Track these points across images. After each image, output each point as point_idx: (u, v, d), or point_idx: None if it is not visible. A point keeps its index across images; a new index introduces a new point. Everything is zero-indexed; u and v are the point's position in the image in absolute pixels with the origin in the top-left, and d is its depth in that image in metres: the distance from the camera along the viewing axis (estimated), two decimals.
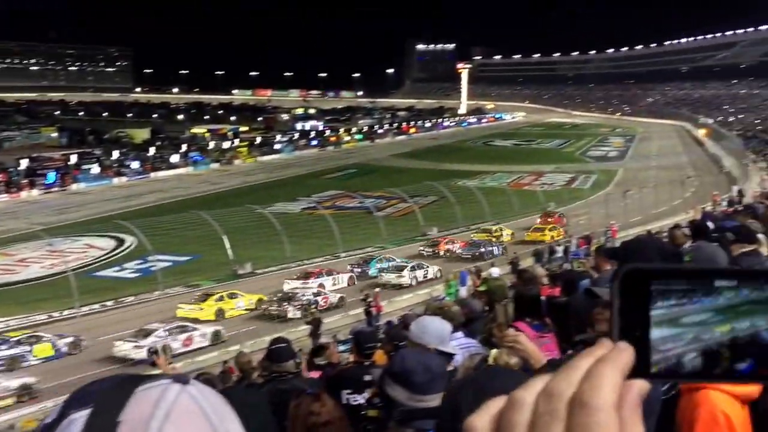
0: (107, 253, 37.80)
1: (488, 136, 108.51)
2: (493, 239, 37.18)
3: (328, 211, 42.27)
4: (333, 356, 7.07)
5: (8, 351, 21.11)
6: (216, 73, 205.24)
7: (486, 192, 47.82)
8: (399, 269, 31.00)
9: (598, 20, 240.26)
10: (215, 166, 75.68)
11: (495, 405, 0.53)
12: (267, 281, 30.55)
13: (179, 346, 22.35)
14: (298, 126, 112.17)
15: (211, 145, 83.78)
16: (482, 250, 34.60)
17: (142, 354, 19.09)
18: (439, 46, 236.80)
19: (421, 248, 36.15)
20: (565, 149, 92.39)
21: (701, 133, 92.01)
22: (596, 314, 2.78)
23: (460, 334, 4.23)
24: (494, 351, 3.05)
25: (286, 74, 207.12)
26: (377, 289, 27.03)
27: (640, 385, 0.52)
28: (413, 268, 31.13)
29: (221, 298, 26.72)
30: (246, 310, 26.93)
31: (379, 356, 5.41)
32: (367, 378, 3.78)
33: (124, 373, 2.54)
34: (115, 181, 64.80)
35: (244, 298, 27.24)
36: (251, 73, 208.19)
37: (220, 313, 25.94)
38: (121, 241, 38.74)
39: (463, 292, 22.91)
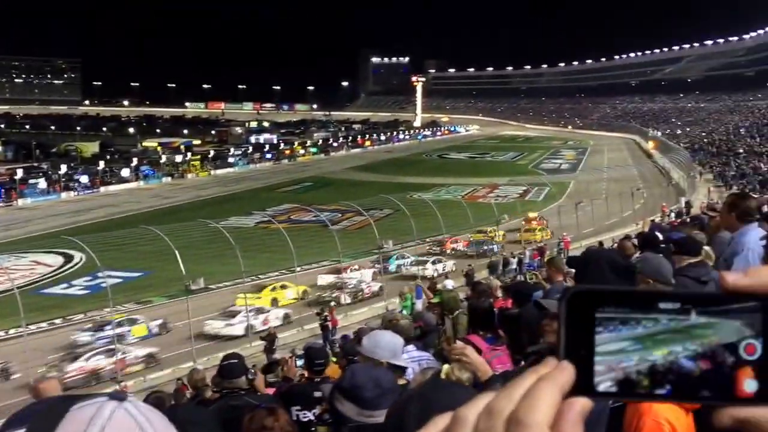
0: (55, 270, 36.91)
1: (443, 149, 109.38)
2: (489, 239, 40.52)
3: (283, 224, 41.97)
4: (291, 371, 7.02)
5: (112, 331, 24.14)
6: (168, 85, 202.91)
7: (441, 205, 48.04)
8: (422, 263, 33.99)
9: (549, 35, 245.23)
10: (167, 180, 74.72)
11: (440, 422, 0.54)
12: (221, 297, 30.20)
13: (259, 324, 25.82)
14: (252, 139, 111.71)
15: (163, 158, 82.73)
16: (485, 247, 38.45)
17: (232, 331, 25.04)
18: (394, 59, 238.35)
19: (429, 247, 39.16)
20: (518, 162, 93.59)
21: (650, 145, 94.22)
22: (544, 326, 2.83)
23: (412, 347, 4.24)
24: (446, 365, 3.07)
25: (239, 87, 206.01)
26: (332, 304, 26.95)
27: (582, 403, 0.53)
28: (434, 262, 34.19)
29: (274, 289, 30.22)
30: (294, 299, 29.97)
31: (334, 371, 5.39)
32: (317, 394, 3.77)
33: (62, 394, 2.50)
34: (63, 195, 63.44)
35: (293, 289, 30.71)
36: (204, 86, 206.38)
37: (274, 302, 29.02)
38: (69, 258, 37.88)
39: (419, 305, 22.95)
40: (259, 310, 27.01)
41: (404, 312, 23.56)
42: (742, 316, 0.55)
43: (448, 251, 38.23)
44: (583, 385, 0.55)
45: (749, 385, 0.55)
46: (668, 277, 3.88)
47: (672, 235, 7.56)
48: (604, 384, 0.56)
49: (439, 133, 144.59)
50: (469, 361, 2.81)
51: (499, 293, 8.51)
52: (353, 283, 30.55)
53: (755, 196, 17.34)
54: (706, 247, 5.49)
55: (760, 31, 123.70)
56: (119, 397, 0.63)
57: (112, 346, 22.59)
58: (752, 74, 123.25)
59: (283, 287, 30.49)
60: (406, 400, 1.53)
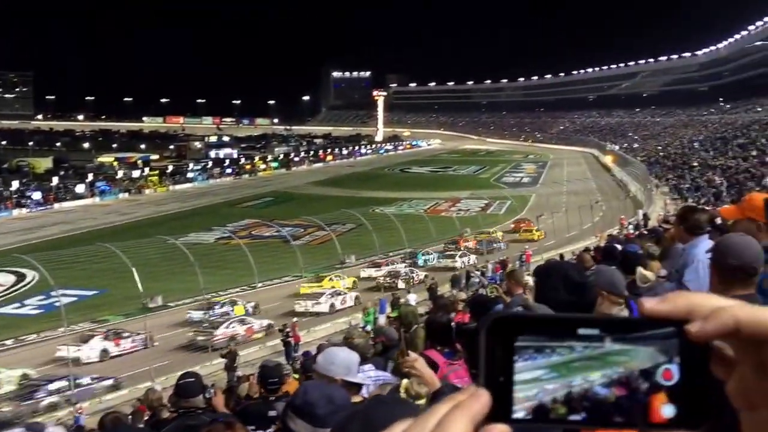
0: (7, 289, 36.05)
1: (405, 163, 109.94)
2: (494, 238, 45.28)
3: (244, 240, 41.66)
4: (252, 388, 6.95)
5: (221, 309, 28.94)
6: (125, 99, 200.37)
7: (403, 219, 48.21)
8: (450, 257, 38.54)
9: (509, 50, 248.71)
10: (124, 195, 73.70)
11: None
12: (180, 314, 29.81)
13: (339, 303, 30.18)
14: (212, 154, 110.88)
15: (120, 174, 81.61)
16: (493, 245, 42.98)
17: (319, 308, 29.39)
18: (355, 73, 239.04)
19: (444, 246, 42.28)
20: (480, 176, 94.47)
21: (608, 159, 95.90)
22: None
23: (370, 367, 4.24)
24: (405, 381, 3.08)
25: (198, 101, 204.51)
26: (295, 319, 26.76)
27: (500, 430, 0.54)
28: (461, 255, 38.61)
29: (331, 279, 34.01)
30: (347, 288, 33.12)
31: (294, 387, 5.35)
32: (272, 413, 3.74)
33: None
34: (15, 213, 62.13)
35: (346, 279, 34.40)
36: (162, 100, 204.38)
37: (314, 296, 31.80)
38: (21, 276, 37.05)
39: (382, 320, 22.93)
40: (336, 293, 31.08)
41: (367, 327, 23.55)
42: (656, 342, 0.56)
43: (462, 248, 41.60)
44: (501, 412, 0.55)
45: (666, 410, 0.55)
46: (621, 289, 3.94)
47: (629, 247, 7.73)
48: (521, 411, 0.56)
49: (400, 148, 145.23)
50: (418, 373, 2.84)
51: (461, 306, 8.56)
52: (405, 270, 35.14)
53: (708, 208, 17.76)
54: (653, 264, 5.55)
55: (713, 47, 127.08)
56: (37, 428, 0.60)
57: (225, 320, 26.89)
58: (705, 89, 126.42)
59: (337, 277, 34.49)
60: (347, 418, 1.54)
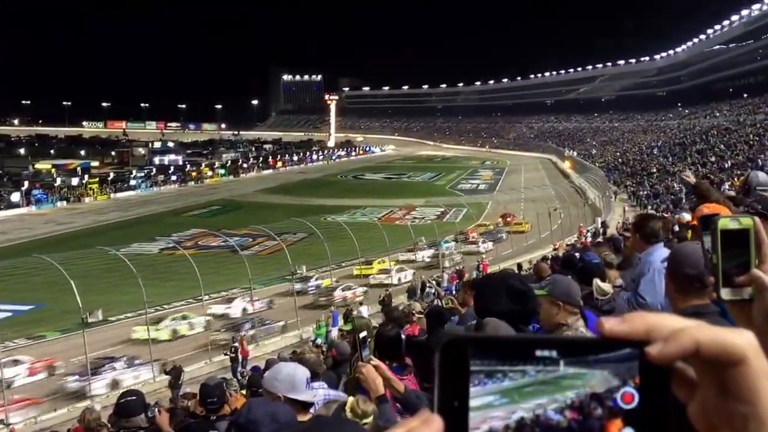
0: None
1: (358, 170, 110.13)
2: (494, 230, 52.22)
3: (190, 251, 41.23)
4: (197, 407, 6.88)
5: (317, 282, 36.97)
6: (63, 103, 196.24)
7: (357, 227, 48.21)
8: (474, 242, 45.70)
9: (465, 54, 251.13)
10: (62, 204, 72.21)
11: None
12: (121, 329, 29.32)
13: (404, 278, 37.36)
14: (156, 160, 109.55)
15: (58, 181, 79.99)
16: (499, 235, 49.52)
17: (391, 280, 36.58)
18: (306, 76, 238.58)
19: (455, 236, 47.68)
20: (435, 183, 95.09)
21: (566, 165, 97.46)
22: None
23: (320, 383, 4.24)
24: (350, 399, 3.09)
25: (142, 105, 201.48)
26: (242, 333, 26.53)
27: None
28: (483, 241, 45.86)
29: (380, 262, 40.81)
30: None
31: (241, 404, 5.31)
32: None
33: None
34: None
35: (388, 262, 40.62)
36: (103, 104, 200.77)
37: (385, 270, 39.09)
38: None
39: (335, 333, 22.89)
40: (401, 269, 38.92)
41: (319, 340, 23.50)
42: (612, 365, 0.56)
43: (470, 239, 47.73)
44: None
45: None
46: (577, 300, 4.02)
47: (586, 255, 7.83)
48: None
49: (353, 154, 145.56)
50: (365, 379, 2.87)
51: (416, 318, 8.59)
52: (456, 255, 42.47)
53: (666, 215, 18.17)
54: (602, 284, 5.56)
55: (671, 51, 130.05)
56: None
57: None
58: (663, 94, 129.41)
59: (382, 262, 40.76)
60: None
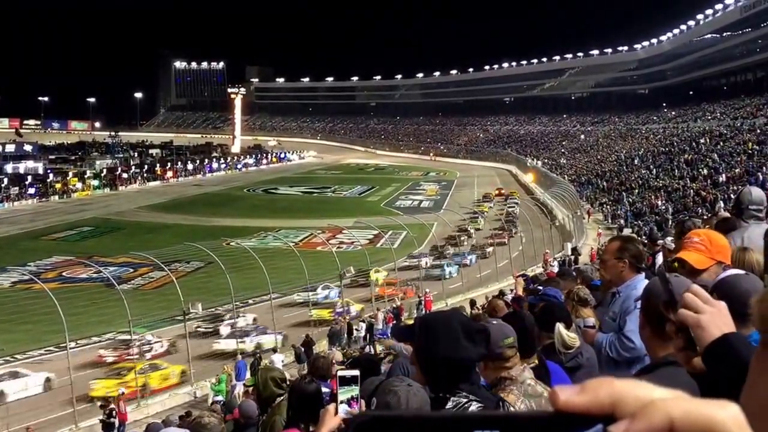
0: None
1: (270, 182, 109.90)
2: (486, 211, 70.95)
3: (52, 284, 40.33)
4: None
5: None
6: None
7: (268, 255, 47.90)
8: (482, 249, 55.24)
9: (405, 40, 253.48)
10: None
11: None
12: None
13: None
14: (9, 168, 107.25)
15: None
16: (487, 249, 55.69)
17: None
18: (204, 64, 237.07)
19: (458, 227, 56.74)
20: (367, 198, 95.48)
21: (529, 178, 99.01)
22: None
23: None
24: None
25: None
26: (122, 390, 25.95)
27: None
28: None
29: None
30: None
31: None
32: None
33: None
34: None
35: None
36: None
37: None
38: None
39: (239, 388, 22.59)
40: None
41: (219, 397, 23.18)
42: None
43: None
44: None
45: None
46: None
47: (547, 290, 7.79)
48: None
49: (265, 161, 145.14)
50: None
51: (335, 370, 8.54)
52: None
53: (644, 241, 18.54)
54: (566, 332, 5.52)
55: (654, 41, 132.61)
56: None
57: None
58: (645, 92, 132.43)
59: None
60: None
